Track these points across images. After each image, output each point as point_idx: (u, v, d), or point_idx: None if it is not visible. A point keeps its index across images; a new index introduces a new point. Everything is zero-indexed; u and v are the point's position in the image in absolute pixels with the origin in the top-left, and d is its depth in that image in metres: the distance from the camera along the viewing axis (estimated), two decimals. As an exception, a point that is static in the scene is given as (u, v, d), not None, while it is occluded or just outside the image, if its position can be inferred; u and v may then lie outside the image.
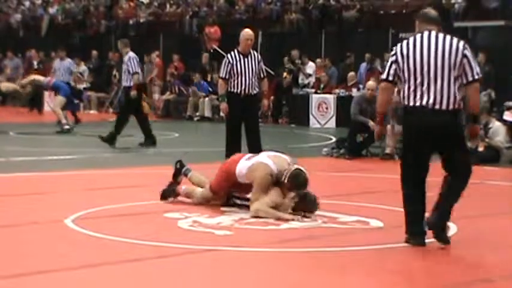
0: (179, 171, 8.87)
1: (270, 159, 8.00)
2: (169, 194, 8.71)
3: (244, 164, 8.12)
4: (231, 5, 28.19)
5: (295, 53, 23.90)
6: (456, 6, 23.34)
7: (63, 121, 18.28)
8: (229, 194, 8.44)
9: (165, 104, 24.99)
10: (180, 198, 8.70)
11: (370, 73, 21.89)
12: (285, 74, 23.20)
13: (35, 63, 27.95)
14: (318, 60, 23.83)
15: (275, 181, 7.90)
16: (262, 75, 11.83)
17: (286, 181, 7.83)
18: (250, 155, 8.39)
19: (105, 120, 22.82)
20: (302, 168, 7.98)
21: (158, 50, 27.29)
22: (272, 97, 21.92)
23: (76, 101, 26.85)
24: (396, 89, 7.42)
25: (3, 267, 5.76)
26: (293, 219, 7.65)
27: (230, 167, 8.28)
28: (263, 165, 7.94)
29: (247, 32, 11.65)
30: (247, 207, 8.06)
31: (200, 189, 8.62)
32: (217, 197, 8.45)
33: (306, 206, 7.87)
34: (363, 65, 22.99)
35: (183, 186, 8.75)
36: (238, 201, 8.37)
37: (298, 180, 7.84)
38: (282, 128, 21.46)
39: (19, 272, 5.62)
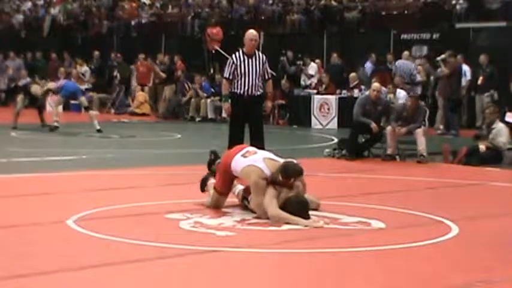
0: (213, 162, 8.94)
1: (264, 163, 7.99)
2: (204, 183, 8.73)
3: (240, 161, 8.12)
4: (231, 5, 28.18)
5: (290, 53, 23.78)
6: (458, 7, 23.32)
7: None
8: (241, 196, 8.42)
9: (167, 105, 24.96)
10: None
11: (375, 74, 21.76)
12: (284, 79, 23.09)
13: None
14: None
15: (269, 182, 7.92)
16: (267, 77, 11.68)
17: (280, 177, 7.91)
18: (246, 150, 8.31)
19: (109, 121, 22.87)
20: (292, 160, 8.17)
21: (160, 51, 27.28)
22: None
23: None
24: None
25: (5, 268, 5.75)
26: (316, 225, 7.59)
27: (226, 160, 8.31)
28: (257, 169, 7.93)
29: (251, 33, 11.58)
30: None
31: (212, 192, 8.57)
32: (225, 197, 8.44)
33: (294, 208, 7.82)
34: (368, 65, 22.90)
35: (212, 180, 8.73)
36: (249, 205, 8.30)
37: (289, 170, 7.93)
38: (283, 129, 21.44)
39: (21, 273, 5.62)
